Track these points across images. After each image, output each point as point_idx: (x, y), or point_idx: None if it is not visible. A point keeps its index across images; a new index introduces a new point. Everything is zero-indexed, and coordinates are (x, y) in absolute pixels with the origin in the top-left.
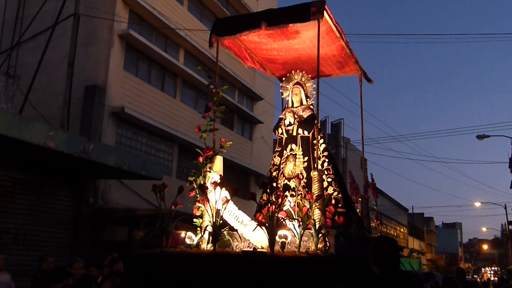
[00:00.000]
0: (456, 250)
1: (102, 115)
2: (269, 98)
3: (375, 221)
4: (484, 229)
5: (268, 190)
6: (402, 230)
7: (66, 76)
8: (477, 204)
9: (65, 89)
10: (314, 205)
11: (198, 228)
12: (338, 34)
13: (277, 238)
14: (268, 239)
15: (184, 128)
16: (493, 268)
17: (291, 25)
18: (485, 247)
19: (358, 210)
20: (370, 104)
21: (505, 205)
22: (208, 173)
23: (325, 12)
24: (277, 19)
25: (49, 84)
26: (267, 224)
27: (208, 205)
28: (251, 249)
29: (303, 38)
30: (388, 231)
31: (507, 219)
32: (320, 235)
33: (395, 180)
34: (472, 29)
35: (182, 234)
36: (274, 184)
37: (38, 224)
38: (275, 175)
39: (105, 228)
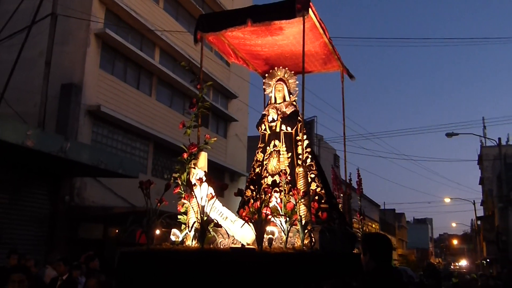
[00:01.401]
0: (426, 245)
1: (78, 113)
2: (243, 97)
3: (358, 216)
4: (454, 224)
5: (252, 187)
6: (374, 226)
7: (43, 75)
8: (447, 200)
9: (42, 88)
10: (300, 201)
11: (183, 225)
12: (321, 31)
13: (264, 234)
14: (256, 236)
15: (160, 126)
16: (460, 262)
17: (276, 22)
18: (455, 242)
19: (340, 206)
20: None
21: (474, 201)
22: (192, 169)
23: (309, 9)
24: (262, 15)
25: (25, 82)
26: (252, 221)
27: (193, 201)
28: (237, 246)
29: (287, 34)
30: (363, 226)
31: (475, 214)
32: (306, 231)
33: (367, 177)
34: (442, 34)
35: (157, 231)
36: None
37: (14, 222)
38: (258, 171)
39: (80, 226)
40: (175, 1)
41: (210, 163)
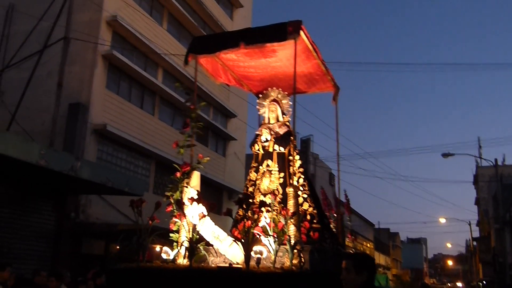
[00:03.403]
0: (421, 265)
1: (85, 132)
2: (242, 116)
3: (350, 237)
4: (449, 245)
5: (244, 206)
6: (368, 245)
7: (55, 97)
8: (442, 220)
9: (54, 109)
10: (289, 221)
11: (175, 243)
12: (314, 53)
13: (252, 253)
14: (244, 255)
15: (161, 145)
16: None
17: (268, 44)
18: (450, 262)
19: (332, 226)
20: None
21: (469, 221)
22: (185, 188)
23: (301, 31)
24: (255, 38)
25: (33, 100)
26: (242, 240)
27: (184, 220)
28: (227, 265)
29: (280, 56)
30: (355, 246)
31: (471, 235)
32: (295, 250)
33: (362, 196)
34: (439, 58)
35: (157, 248)
36: (250, 200)
37: (21, 237)
38: (251, 191)
39: (83, 241)
40: (177, 22)
41: (208, 181)
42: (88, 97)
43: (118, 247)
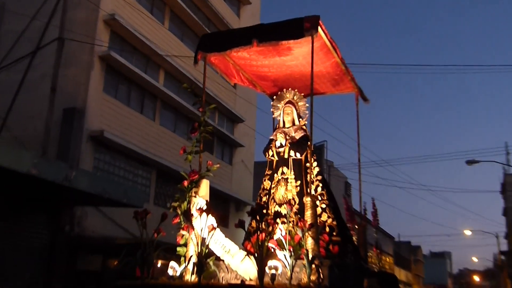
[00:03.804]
0: (445, 281)
1: (81, 139)
2: (250, 121)
3: (375, 250)
4: (475, 259)
5: (257, 217)
6: (388, 259)
7: (48, 102)
8: (468, 232)
9: (47, 115)
10: (306, 234)
11: (182, 258)
12: (333, 50)
13: (266, 269)
14: (257, 271)
15: (163, 152)
16: None
17: (283, 41)
18: (476, 278)
19: (354, 238)
20: (353, 128)
21: (497, 234)
22: (193, 198)
23: (319, 27)
24: (268, 35)
25: (25, 105)
26: (256, 254)
27: (193, 233)
28: (239, 281)
29: (296, 54)
30: (373, 260)
31: (499, 248)
32: (313, 266)
33: (380, 207)
34: (462, 60)
35: (159, 264)
36: (264, 211)
37: (12, 252)
38: (265, 200)
39: (79, 257)
40: (180, 21)
41: (214, 191)
42: (84, 101)
43: (116, 262)
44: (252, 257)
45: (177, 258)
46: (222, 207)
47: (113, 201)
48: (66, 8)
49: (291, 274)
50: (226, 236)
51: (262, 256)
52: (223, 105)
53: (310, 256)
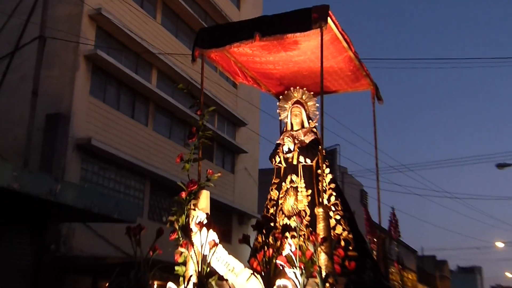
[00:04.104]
0: None
1: (66, 148)
2: (253, 124)
3: (396, 266)
4: (509, 274)
5: (264, 231)
6: (410, 276)
7: (30, 106)
8: (500, 245)
9: (29, 121)
10: (319, 249)
11: (181, 278)
12: (345, 44)
13: None
14: None
15: (157, 161)
16: None
17: (289, 35)
18: None
19: (374, 253)
20: (367, 130)
21: None
22: (192, 211)
23: (329, 18)
24: (272, 28)
25: (3, 111)
26: (262, 273)
27: (192, 250)
28: None
29: (304, 49)
30: (394, 277)
31: None
32: (327, 284)
33: (401, 217)
34: (488, 53)
35: (155, 286)
36: (272, 224)
37: None
38: (272, 212)
39: (66, 278)
40: (174, 15)
41: (214, 203)
42: (69, 105)
43: (107, 284)
44: (258, 276)
45: (176, 278)
46: (224, 221)
47: (103, 216)
48: (47, 4)
49: None
50: (229, 253)
51: (269, 274)
52: (223, 107)
53: (324, 273)
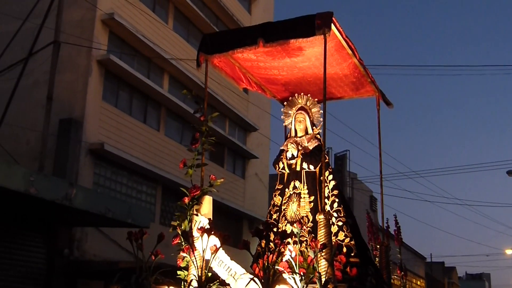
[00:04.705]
0: None
1: (79, 153)
2: (264, 129)
3: (399, 272)
4: None
5: (264, 237)
6: (419, 282)
7: (45, 112)
8: (509, 252)
9: (44, 127)
10: (319, 255)
11: (183, 282)
12: (349, 51)
13: None
14: None
15: (169, 166)
16: None
17: (292, 41)
18: None
19: (376, 260)
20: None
21: None
22: (195, 216)
23: (332, 25)
24: (276, 34)
25: (16, 115)
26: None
27: (194, 254)
28: None
29: (308, 55)
30: (406, 284)
31: None
32: None
33: (410, 224)
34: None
35: None
36: (275, 229)
37: (5, 279)
38: (275, 218)
39: (78, 283)
40: (185, 19)
41: (225, 208)
42: (82, 111)
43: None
44: (258, 281)
45: (177, 283)
46: (234, 226)
47: (117, 221)
48: (61, 9)
49: None
50: (238, 258)
51: (268, 280)
52: (234, 112)
53: (323, 279)
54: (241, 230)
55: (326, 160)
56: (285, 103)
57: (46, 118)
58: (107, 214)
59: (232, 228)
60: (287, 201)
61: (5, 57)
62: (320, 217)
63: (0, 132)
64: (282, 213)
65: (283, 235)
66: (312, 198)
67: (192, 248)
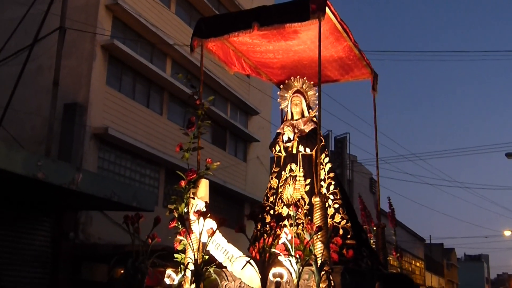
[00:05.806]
0: (482, 287)
1: (83, 137)
2: (265, 113)
3: (394, 254)
4: None
5: (260, 220)
6: (418, 264)
7: (51, 97)
8: (507, 233)
9: (50, 111)
10: (315, 237)
11: (181, 265)
12: (344, 34)
13: (271, 277)
14: (260, 279)
15: (172, 150)
16: None
17: (287, 24)
18: None
19: (372, 242)
20: (379, 119)
21: None
22: (191, 199)
23: (327, 8)
24: (270, 18)
25: (21, 100)
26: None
27: (191, 238)
28: None
29: (303, 38)
30: (401, 265)
31: None
32: (323, 272)
33: (410, 206)
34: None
35: (169, 271)
36: (272, 211)
37: (12, 262)
38: (272, 201)
39: (83, 266)
40: (187, 3)
41: (227, 191)
42: (86, 95)
43: (122, 271)
44: (254, 263)
45: (175, 265)
46: (235, 209)
47: (122, 204)
48: None
49: (298, 282)
50: (238, 241)
51: (263, 262)
52: (236, 96)
53: (319, 261)
54: (242, 213)
55: (322, 143)
56: (281, 86)
57: (52, 103)
58: (112, 198)
59: (234, 211)
60: (283, 184)
61: (10, 42)
62: (316, 200)
63: (6, 117)
64: (279, 196)
65: (279, 218)
66: (309, 180)
67: (188, 231)
